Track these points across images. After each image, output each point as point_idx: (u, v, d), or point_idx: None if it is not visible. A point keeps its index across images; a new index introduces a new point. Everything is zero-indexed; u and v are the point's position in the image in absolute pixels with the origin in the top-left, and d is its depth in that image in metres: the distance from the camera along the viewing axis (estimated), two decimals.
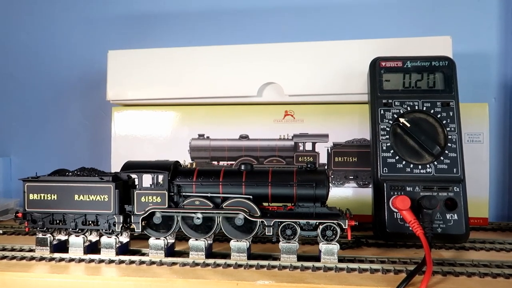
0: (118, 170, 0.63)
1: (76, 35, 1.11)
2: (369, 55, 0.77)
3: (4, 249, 0.66)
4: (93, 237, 0.65)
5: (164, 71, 0.87)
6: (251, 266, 0.58)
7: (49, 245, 0.62)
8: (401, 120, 0.70)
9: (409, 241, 0.67)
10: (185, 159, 0.87)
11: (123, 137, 0.89)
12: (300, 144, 0.85)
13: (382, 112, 0.71)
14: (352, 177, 0.83)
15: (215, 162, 0.87)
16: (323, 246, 0.57)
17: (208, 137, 0.87)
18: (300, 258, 0.59)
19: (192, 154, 0.87)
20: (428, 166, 0.68)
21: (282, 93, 0.83)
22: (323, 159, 0.84)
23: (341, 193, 0.83)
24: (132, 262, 0.60)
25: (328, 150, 0.84)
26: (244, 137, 0.86)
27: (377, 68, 0.73)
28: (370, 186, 0.81)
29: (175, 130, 0.88)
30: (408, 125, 0.69)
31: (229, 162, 0.87)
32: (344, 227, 0.56)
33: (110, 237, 0.61)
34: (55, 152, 1.11)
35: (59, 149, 1.10)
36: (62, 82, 1.11)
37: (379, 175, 0.68)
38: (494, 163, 0.94)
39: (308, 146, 0.85)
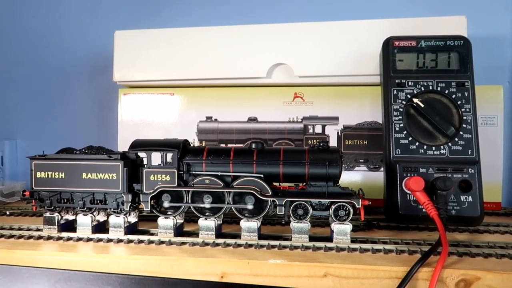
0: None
1: (82, 18, 1.09)
2: (381, 36, 0.75)
3: (11, 228, 0.65)
4: (101, 217, 0.64)
5: (172, 52, 0.86)
6: (261, 246, 0.57)
7: (56, 224, 0.62)
8: (415, 100, 0.68)
9: (422, 223, 0.66)
10: (193, 142, 0.85)
11: (130, 119, 0.88)
12: (309, 126, 0.83)
13: (395, 92, 0.69)
14: (362, 161, 0.82)
15: (223, 145, 0.86)
16: (335, 226, 0.56)
17: (216, 120, 0.86)
18: (311, 238, 0.58)
19: (199, 136, 0.86)
20: (442, 147, 0.67)
21: (292, 74, 0.82)
22: (333, 142, 0.82)
23: (351, 176, 0.81)
24: (141, 241, 0.59)
25: (338, 133, 0.82)
26: (252, 120, 0.84)
27: (390, 47, 0.72)
28: (381, 169, 0.80)
29: (182, 112, 0.87)
30: (422, 105, 0.68)
31: (237, 145, 0.85)
32: (357, 206, 0.55)
33: (119, 216, 0.60)
34: (61, 135, 1.10)
35: (65, 132, 1.10)
36: (69, 65, 1.10)
37: (391, 156, 0.67)
38: (508, 147, 0.92)
39: (318, 129, 0.83)
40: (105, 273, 0.38)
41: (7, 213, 0.77)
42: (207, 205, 0.58)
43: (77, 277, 0.37)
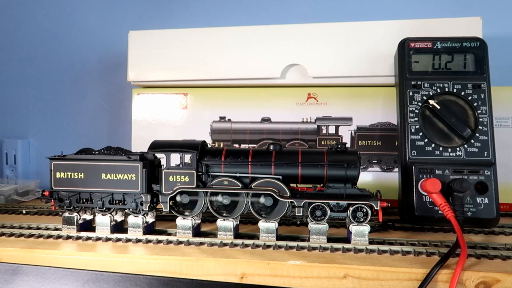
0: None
1: (94, 17, 1.10)
2: (395, 37, 0.75)
3: (30, 228, 0.66)
4: (119, 217, 0.65)
5: (186, 52, 0.86)
6: (280, 246, 0.57)
7: (75, 223, 0.62)
8: (431, 102, 0.68)
9: (438, 224, 0.66)
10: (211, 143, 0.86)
11: (143, 119, 0.89)
12: (323, 127, 0.83)
13: (411, 94, 0.70)
14: (375, 161, 0.82)
15: (236, 145, 0.86)
16: (353, 228, 0.57)
17: (229, 120, 0.86)
18: (327, 239, 0.58)
19: (213, 136, 0.86)
20: (458, 149, 0.67)
21: (306, 75, 0.82)
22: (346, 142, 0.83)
23: (365, 177, 0.82)
24: (159, 241, 0.59)
25: (351, 133, 0.83)
26: (266, 120, 0.85)
27: (406, 49, 0.72)
28: (394, 170, 0.80)
29: (195, 112, 0.87)
30: (438, 107, 0.68)
31: (251, 145, 0.86)
32: (376, 208, 0.55)
33: (137, 216, 0.61)
34: (73, 134, 1.11)
35: (77, 131, 1.10)
36: (81, 64, 1.10)
37: (407, 158, 0.67)
38: None
39: (331, 130, 0.83)
40: (133, 274, 0.38)
41: (23, 212, 0.78)
42: (226, 202, 0.58)
43: (105, 278, 0.38)
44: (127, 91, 0.92)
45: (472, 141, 0.67)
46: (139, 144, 0.88)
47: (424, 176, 0.66)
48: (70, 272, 0.39)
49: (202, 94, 0.87)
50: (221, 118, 0.86)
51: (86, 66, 1.10)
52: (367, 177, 0.82)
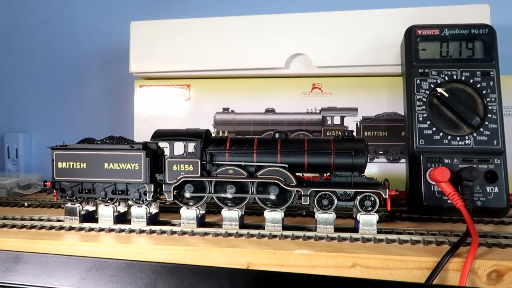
0: None
1: (96, 9, 1.09)
2: (401, 25, 0.73)
3: (32, 219, 0.65)
4: (121, 208, 0.64)
5: (189, 43, 0.85)
6: (286, 236, 0.56)
7: (78, 214, 0.61)
8: (439, 90, 0.67)
9: (446, 214, 0.65)
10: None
11: (146, 111, 0.88)
12: (328, 118, 0.82)
13: (418, 82, 0.68)
14: (382, 152, 0.80)
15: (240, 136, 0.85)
16: (361, 217, 0.56)
17: (233, 111, 0.85)
18: (335, 229, 0.57)
19: (216, 128, 0.85)
20: (467, 137, 0.65)
21: (310, 64, 0.81)
22: None
23: (371, 168, 0.80)
24: (163, 232, 0.58)
25: (357, 124, 0.81)
26: (270, 111, 0.84)
27: (412, 36, 0.70)
28: (401, 161, 0.79)
29: (199, 104, 0.86)
30: (446, 95, 0.66)
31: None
32: (384, 196, 0.54)
33: (141, 207, 0.60)
34: (75, 128, 1.09)
35: (79, 125, 1.09)
36: (82, 57, 1.09)
37: (415, 147, 0.66)
38: None
39: (336, 120, 0.82)
40: (137, 261, 0.38)
41: (25, 204, 0.77)
42: (230, 196, 0.57)
43: (109, 265, 0.37)
44: (129, 84, 0.91)
45: (481, 129, 0.65)
46: (142, 136, 0.87)
47: (433, 165, 0.64)
48: (72, 260, 0.38)
49: (205, 85, 0.86)
50: (224, 109, 0.85)
51: (87, 60, 1.09)
52: (373, 168, 0.81)
